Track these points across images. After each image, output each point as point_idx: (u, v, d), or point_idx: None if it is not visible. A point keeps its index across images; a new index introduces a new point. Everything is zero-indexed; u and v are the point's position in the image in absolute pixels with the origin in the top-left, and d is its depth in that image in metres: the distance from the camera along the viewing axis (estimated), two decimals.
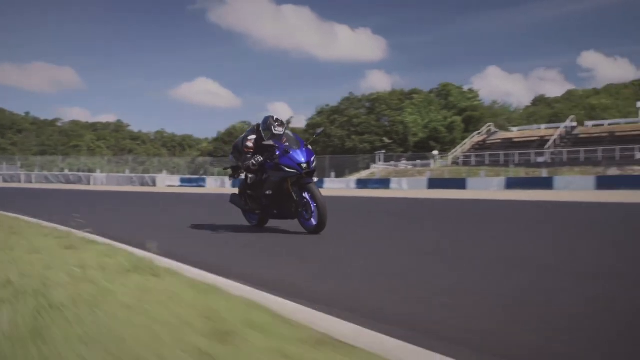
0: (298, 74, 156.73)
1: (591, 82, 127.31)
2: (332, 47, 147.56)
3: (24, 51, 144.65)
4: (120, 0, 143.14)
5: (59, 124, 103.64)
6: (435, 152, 46.89)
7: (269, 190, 5.74)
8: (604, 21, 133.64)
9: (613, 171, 38.21)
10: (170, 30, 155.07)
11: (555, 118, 76.65)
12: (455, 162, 47.74)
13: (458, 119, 55.83)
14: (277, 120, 5.95)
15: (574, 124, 49.25)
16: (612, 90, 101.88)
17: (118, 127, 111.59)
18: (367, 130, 52.95)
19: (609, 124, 48.09)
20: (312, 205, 5.48)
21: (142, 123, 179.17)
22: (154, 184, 49.86)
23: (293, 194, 5.61)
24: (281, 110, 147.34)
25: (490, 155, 45.91)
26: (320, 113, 61.73)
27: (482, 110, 57.69)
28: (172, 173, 59.60)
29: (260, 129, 6.01)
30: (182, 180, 50.94)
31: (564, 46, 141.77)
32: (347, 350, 1.70)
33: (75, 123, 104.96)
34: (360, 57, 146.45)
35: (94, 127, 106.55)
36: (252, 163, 5.76)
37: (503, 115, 63.88)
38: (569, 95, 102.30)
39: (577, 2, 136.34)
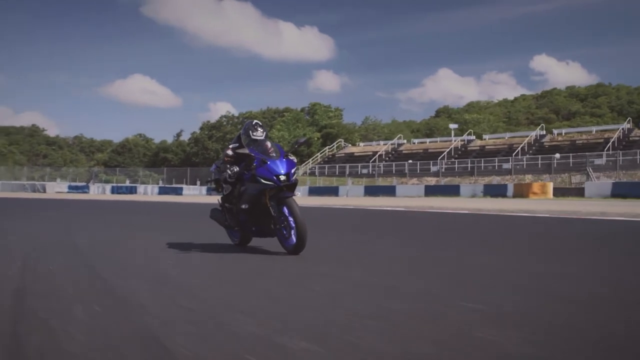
0: (241, 72, 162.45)
1: (544, 85, 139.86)
2: (276, 45, 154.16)
3: None
4: None
5: None
6: None
7: (245, 204, 5.53)
8: (557, 25, 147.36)
9: (406, 181, 52.77)
10: (100, 23, 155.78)
11: (428, 131, 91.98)
12: (304, 173, 61.74)
13: (317, 134, 70.48)
14: (256, 124, 5.92)
15: (403, 141, 64.13)
16: (506, 103, 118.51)
17: (33, 132, 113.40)
18: None
19: (430, 142, 63.11)
20: (291, 222, 5.27)
21: (69, 122, 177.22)
22: (44, 190, 61.70)
23: (271, 208, 5.41)
24: (225, 110, 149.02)
25: (329, 167, 60.17)
26: (202, 128, 76.06)
27: (339, 127, 72.37)
28: (72, 180, 71.16)
29: (241, 135, 5.93)
30: (70, 187, 63.13)
31: (516, 50, 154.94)
32: None
33: None
34: (307, 57, 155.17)
35: (6, 131, 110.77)
36: (228, 174, 5.71)
37: (374, 131, 78.61)
38: (468, 107, 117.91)
39: (529, 5, 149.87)
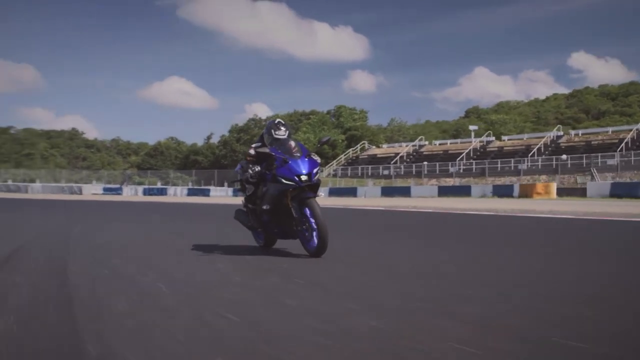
0: (277, 73, 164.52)
1: (582, 83, 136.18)
2: (311, 45, 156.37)
3: None
4: None
5: (12, 131, 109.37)
6: None
7: (267, 204, 5.45)
8: (595, 22, 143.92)
9: (424, 181, 54.42)
10: (138, 26, 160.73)
11: (455, 132, 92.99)
12: (328, 174, 63.93)
13: (341, 137, 72.76)
14: (279, 123, 5.89)
15: (425, 142, 65.73)
16: (536, 103, 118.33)
17: (73, 135, 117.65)
18: None
19: (450, 143, 64.62)
20: (312, 223, 5.20)
21: (108, 124, 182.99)
22: (80, 192, 65.33)
23: (292, 209, 5.34)
24: (261, 111, 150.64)
25: (352, 169, 62.23)
26: (231, 131, 79.51)
27: (363, 129, 74.48)
28: (107, 183, 74.90)
29: (263, 134, 5.92)
30: (104, 189, 66.72)
31: (553, 47, 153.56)
32: None
33: (28, 131, 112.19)
34: (342, 57, 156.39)
35: (48, 135, 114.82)
36: (250, 174, 5.68)
37: (399, 132, 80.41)
38: (497, 107, 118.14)
39: (566, 2, 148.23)
